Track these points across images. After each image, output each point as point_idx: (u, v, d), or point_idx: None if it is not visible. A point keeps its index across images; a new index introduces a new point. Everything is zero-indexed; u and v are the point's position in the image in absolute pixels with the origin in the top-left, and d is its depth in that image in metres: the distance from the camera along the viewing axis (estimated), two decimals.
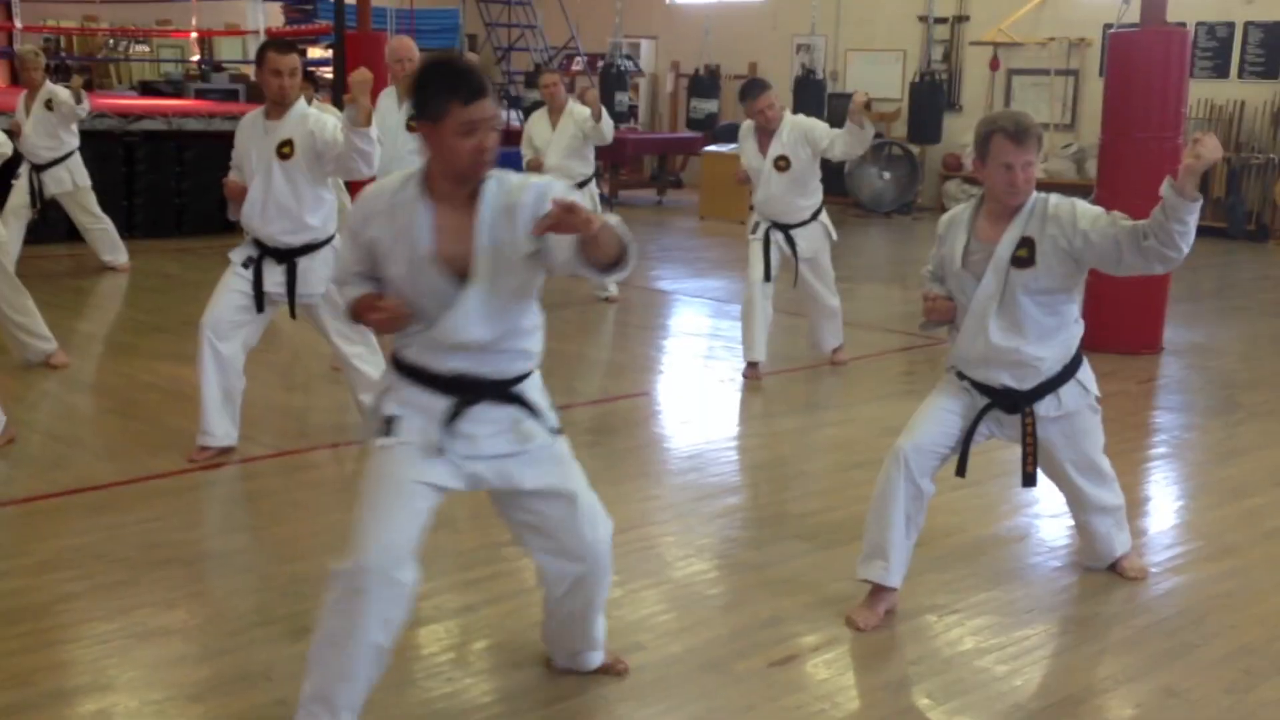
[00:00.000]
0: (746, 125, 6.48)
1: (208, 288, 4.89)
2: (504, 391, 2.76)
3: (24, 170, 8.45)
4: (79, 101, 8.33)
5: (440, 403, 2.72)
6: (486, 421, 2.74)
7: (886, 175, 14.10)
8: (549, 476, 2.83)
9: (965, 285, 3.50)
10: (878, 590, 3.55)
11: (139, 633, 3.35)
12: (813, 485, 4.88)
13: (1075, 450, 3.65)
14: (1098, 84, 11.79)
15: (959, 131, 14.75)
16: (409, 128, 5.88)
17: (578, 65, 15.61)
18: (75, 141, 8.59)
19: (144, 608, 3.50)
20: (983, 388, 3.54)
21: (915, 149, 13.96)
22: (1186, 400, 6.37)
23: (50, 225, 9.32)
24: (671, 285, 9.47)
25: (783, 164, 6.26)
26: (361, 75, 4.49)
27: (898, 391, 6.38)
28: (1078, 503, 3.80)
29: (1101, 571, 3.90)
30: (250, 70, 13.50)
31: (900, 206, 14.08)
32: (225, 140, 10.84)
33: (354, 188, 5.94)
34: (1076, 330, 3.55)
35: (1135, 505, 4.48)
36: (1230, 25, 12.89)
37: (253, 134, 4.78)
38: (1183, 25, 10.37)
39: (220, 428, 4.80)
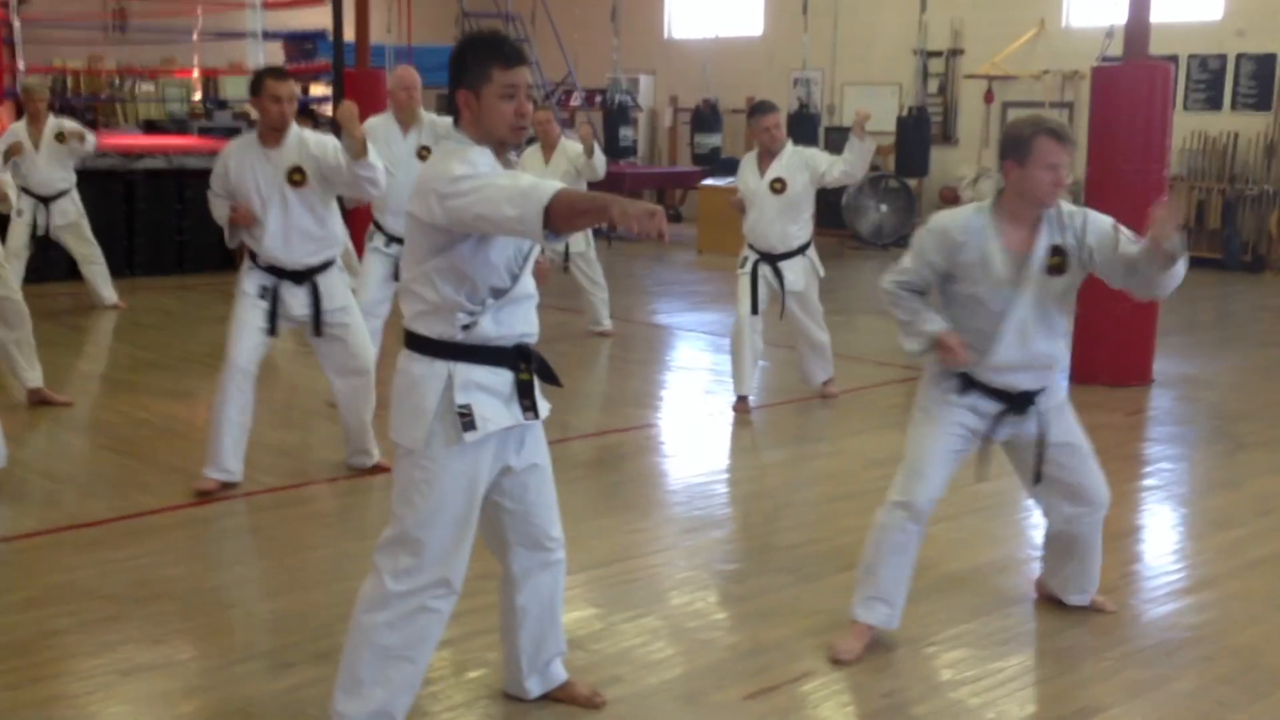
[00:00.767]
0: (750, 155, 6.59)
1: (207, 324, 4.97)
2: (544, 360, 2.89)
3: (27, 207, 8.54)
4: (82, 140, 8.49)
5: (505, 375, 2.78)
6: (539, 386, 2.88)
7: (884, 207, 14.18)
8: (543, 450, 2.99)
9: (999, 294, 3.44)
10: (866, 627, 3.57)
11: (124, 669, 3.39)
12: (798, 518, 4.91)
13: (1069, 432, 3.63)
14: None
15: (955, 164, 14.85)
16: (420, 156, 6.01)
17: (575, 100, 15.76)
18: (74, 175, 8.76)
19: (130, 644, 3.54)
20: (999, 394, 3.52)
21: (913, 182, 14.05)
22: (1175, 432, 6.40)
23: (51, 264, 9.43)
24: (668, 319, 9.54)
25: (778, 186, 6.34)
26: (346, 109, 4.59)
27: (887, 424, 6.42)
28: (1076, 498, 3.67)
29: (1044, 597, 3.94)
30: (251, 108, 13.65)
31: (898, 239, 14.15)
32: None
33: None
34: None
35: (1119, 537, 4.52)
36: (1222, 58, 12.99)
37: (249, 161, 4.82)
38: (1171, 59, 10.48)
39: (235, 463, 4.91)
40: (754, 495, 5.29)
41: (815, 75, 15.09)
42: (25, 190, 8.49)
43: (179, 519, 4.66)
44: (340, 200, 5.33)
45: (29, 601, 3.83)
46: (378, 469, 5.20)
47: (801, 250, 6.47)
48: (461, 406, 2.74)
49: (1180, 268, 3.31)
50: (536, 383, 2.86)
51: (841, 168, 6.30)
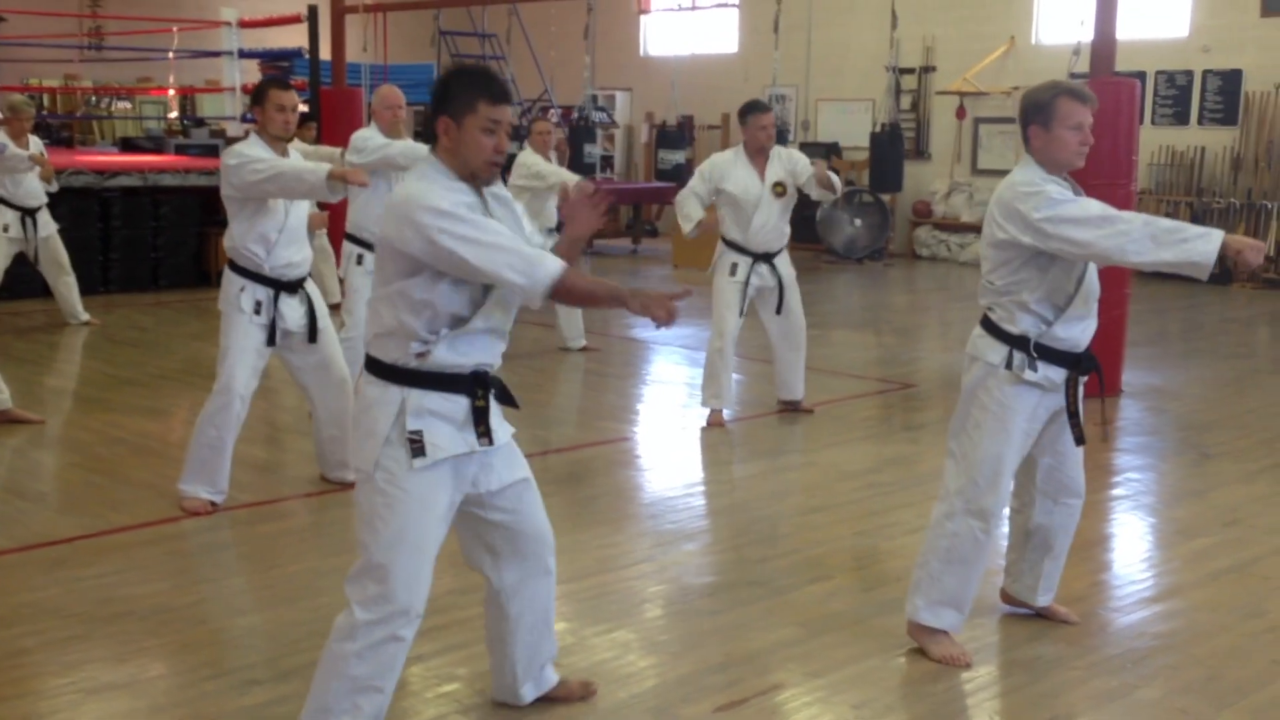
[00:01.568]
0: (729, 156, 6.52)
1: (182, 340, 4.95)
2: (500, 382, 2.89)
3: (12, 221, 8.50)
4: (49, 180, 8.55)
5: (461, 401, 2.78)
6: (496, 412, 2.87)
7: (858, 222, 14.27)
8: (522, 464, 3.02)
9: None
10: (937, 631, 3.58)
11: (89, 688, 3.37)
12: (771, 530, 4.93)
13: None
14: None
15: (929, 178, 14.98)
16: None
17: (552, 117, 15.80)
18: None
19: (95, 662, 3.53)
20: (1070, 358, 3.50)
21: (887, 197, 14.15)
22: (1143, 442, 6.45)
23: (23, 281, 9.38)
24: (643, 334, 9.56)
25: (780, 189, 6.38)
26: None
27: (861, 437, 6.46)
28: (1068, 487, 3.71)
29: (1010, 605, 3.95)
30: (229, 125, 13.64)
31: (872, 253, 14.25)
32: (201, 195, 11.15)
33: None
34: None
35: (1088, 546, 4.56)
36: (1189, 74, 13.16)
37: None
38: (1139, 75, 10.61)
39: (226, 483, 4.92)
40: (727, 508, 5.31)
41: (789, 92, 15.20)
42: (9, 204, 8.46)
43: (149, 536, 4.64)
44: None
45: None
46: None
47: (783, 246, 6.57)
48: (412, 432, 2.75)
49: None
50: (495, 408, 2.87)
51: (812, 190, 6.42)
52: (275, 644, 3.68)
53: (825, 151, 14.42)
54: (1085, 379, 3.62)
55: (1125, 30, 12.11)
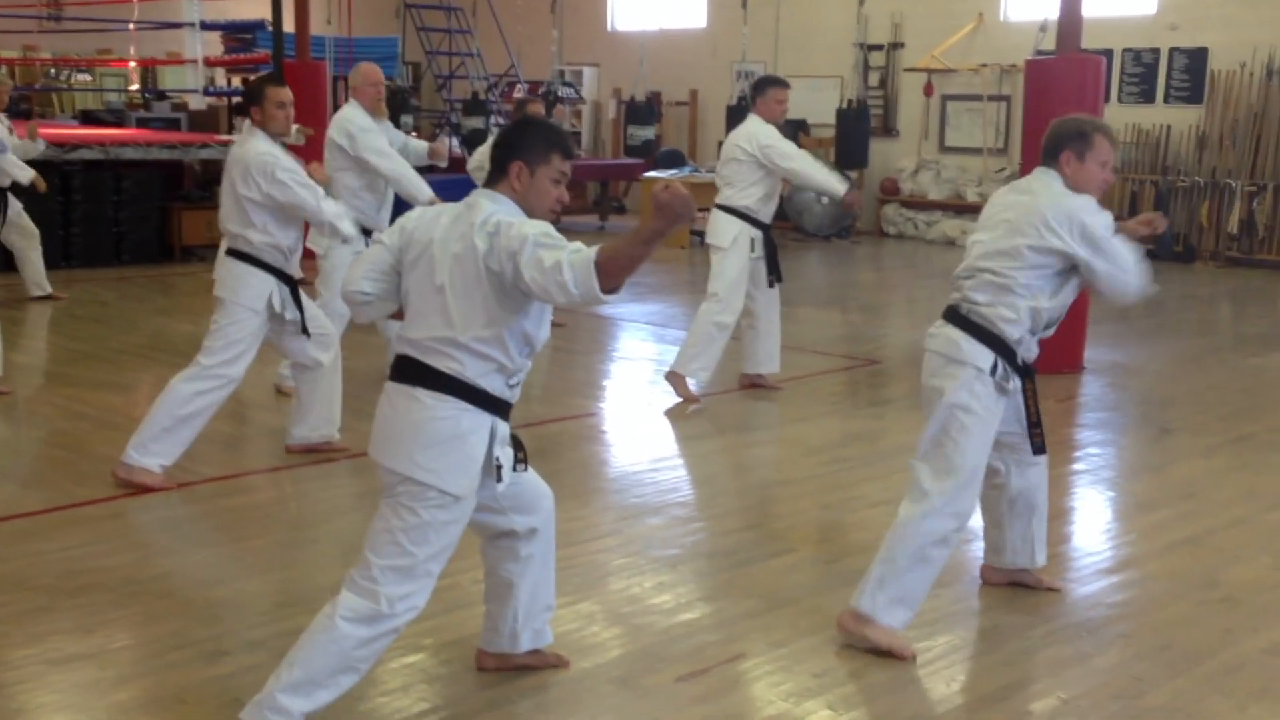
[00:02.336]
0: (774, 129, 6.46)
1: (145, 315, 4.92)
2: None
3: None
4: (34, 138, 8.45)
5: (507, 428, 2.98)
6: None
7: (825, 200, 14.29)
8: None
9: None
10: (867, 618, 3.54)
11: (54, 659, 3.37)
12: (734, 504, 4.97)
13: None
14: None
15: (896, 156, 15.03)
16: None
17: (519, 93, 15.73)
18: None
19: (60, 634, 3.52)
20: (1024, 367, 3.61)
21: (853, 174, 14.18)
22: (1104, 418, 6.55)
23: None
24: (611, 310, 9.57)
25: None
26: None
27: (826, 412, 6.51)
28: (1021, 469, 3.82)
29: (1004, 585, 4.01)
30: (191, 99, 13.48)
31: (839, 231, 14.30)
32: (164, 169, 11.02)
33: None
34: None
35: (1048, 519, 4.61)
36: (1156, 51, 13.26)
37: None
38: (1105, 53, 10.67)
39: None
40: (692, 483, 5.34)
41: (758, 68, 15.18)
42: None
43: (114, 509, 4.63)
44: None
45: None
46: (331, 449, 5.22)
47: None
48: (496, 459, 2.93)
49: None
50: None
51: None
52: (242, 615, 3.68)
53: (793, 129, 14.43)
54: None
55: (1092, 7, 12.15)
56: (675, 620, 3.75)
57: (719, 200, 6.51)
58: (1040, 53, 8.82)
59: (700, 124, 16.38)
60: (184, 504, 4.77)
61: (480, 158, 8.36)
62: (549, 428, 6.08)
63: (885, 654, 3.48)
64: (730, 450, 5.88)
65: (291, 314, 4.93)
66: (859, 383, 7.33)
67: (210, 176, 10.93)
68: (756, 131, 6.33)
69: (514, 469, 3.00)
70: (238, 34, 13.70)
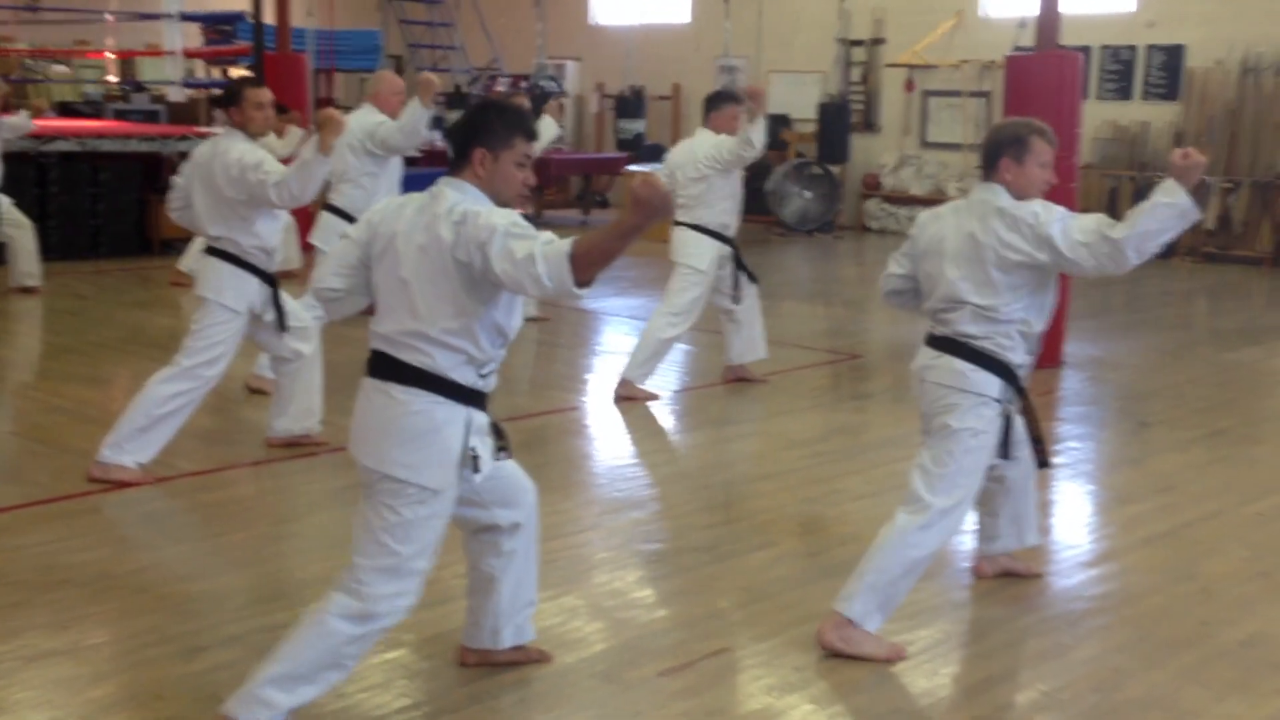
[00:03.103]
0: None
1: (123, 309, 4.88)
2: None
3: None
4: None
5: (486, 419, 2.94)
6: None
7: (807, 194, 14.32)
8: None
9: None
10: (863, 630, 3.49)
11: (29, 655, 3.34)
12: (717, 498, 4.97)
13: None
14: None
15: (878, 151, 15.05)
16: None
17: (501, 86, 15.68)
18: None
19: (35, 629, 3.49)
20: (1019, 386, 3.58)
21: (835, 169, 14.21)
22: (1082, 412, 6.58)
23: None
24: (593, 304, 9.56)
25: None
26: (333, 117, 4.67)
27: (809, 406, 6.52)
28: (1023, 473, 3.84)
29: (987, 579, 4.03)
30: (170, 91, 13.37)
31: (822, 226, 14.32)
32: (143, 161, 10.93)
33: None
34: None
35: None
36: (1133, 49, 13.31)
37: None
38: (1083, 49, 10.72)
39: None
40: (675, 476, 5.34)
41: (740, 63, 15.18)
42: None
43: (91, 504, 4.59)
44: None
45: None
46: (312, 442, 5.19)
47: None
48: (472, 449, 2.88)
49: None
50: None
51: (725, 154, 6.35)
52: (219, 611, 3.66)
53: (775, 125, 14.45)
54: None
55: (1070, 4, 12.20)
56: (657, 614, 3.75)
57: (688, 219, 6.37)
58: (1019, 49, 8.86)
59: (683, 119, 16.35)
60: (162, 498, 4.74)
61: None
62: (532, 421, 6.06)
63: (888, 660, 3.45)
64: (712, 444, 5.88)
65: (270, 315, 4.91)
66: (841, 377, 7.34)
67: None
68: (720, 143, 6.27)
69: (495, 458, 2.96)
70: (218, 26, 13.61)
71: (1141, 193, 13.02)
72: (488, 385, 2.93)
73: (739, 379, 6.80)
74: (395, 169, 6.30)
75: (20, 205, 9.67)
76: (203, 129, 11.90)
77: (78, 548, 4.14)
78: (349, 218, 6.00)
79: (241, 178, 4.64)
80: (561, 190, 16.04)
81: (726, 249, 6.44)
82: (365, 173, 6.14)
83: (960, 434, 3.50)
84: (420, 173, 9.39)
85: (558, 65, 17.01)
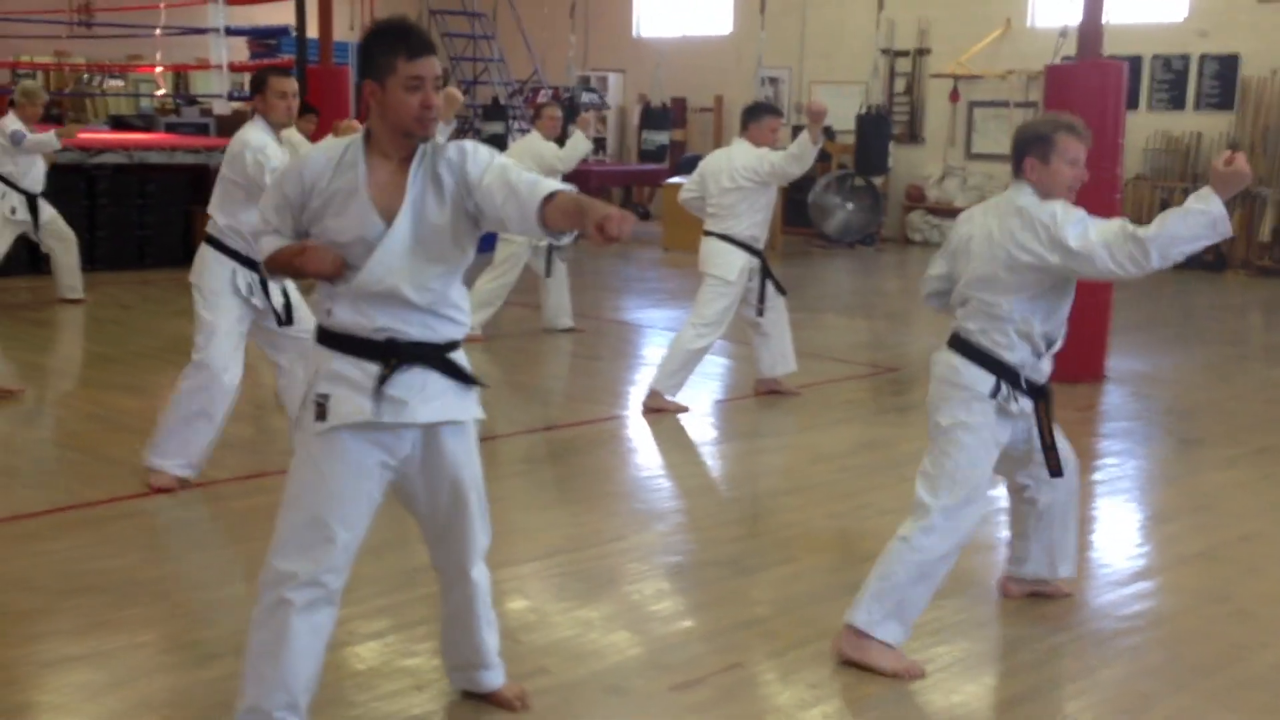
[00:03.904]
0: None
1: (165, 319, 4.90)
2: (434, 356, 2.78)
3: (19, 205, 8.46)
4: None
5: (371, 368, 2.71)
6: (416, 387, 2.74)
7: (850, 206, 14.22)
8: (462, 461, 2.86)
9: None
10: (881, 642, 3.44)
11: (47, 660, 3.37)
12: (742, 511, 4.93)
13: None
14: None
15: (922, 163, 14.93)
16: None
17: (542, 98, 15.76)
18: None
19: (56, 635, 3.52)
20: (1037, 388, 3.51)
21: (877, 180, 14.10)
22: (1124, 427, 6.44)
23: (10, 259, 9.34)
24: (629, 316, 9.56)
25: None
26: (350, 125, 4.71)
27: (841, 419, 6.44)
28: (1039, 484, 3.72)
29: (1016, 598, 3.93)
30: (216, 103, 13.57)
31: (864, 238, 14.21)
32: (189, 173, 11.09)
33: None
34: None
35: None
36: (1185, 58, 13.10)
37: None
38: (1134, 59, 10.56)
39: (200, 457, 4.86)
40: (701, 489, 5.30)
41: (782, 74, 15.15)
42: (15, 187, 8.42)
43: (121, 511, 4.63)
44: None
45: None
46: None
47: None
48: (319, 395, 2.72)
49: None
50: (417, 382, 2.75)
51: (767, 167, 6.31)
52: (238, 618, 3.63)
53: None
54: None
55: (1121, 13, 12.03)
56: (673, 628, 3.71)
57: (717, 229, 6.34)
58: (1067, 59, 8.73)
59: (725, 130, 16.33)
60: (191, 505, 4.77)
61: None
62: (562, 433, 6.05)
63: (898, 676, 3.38)
64: (741, 457, 5.83)
65: (260, 301, 4.81)
66: (877, 390, 7.26)
67: None
68: (763, 156, 6.22)
69: (377, 413, 2.73)
70: (262, 39, 13.80)
71: None
72: (333, 324, 2.76)
73: (771, 391, 6.74)
74: None
75: (69, 216, 9.85)
76: None
77: (104, 554, 4.18)
78: None
79: (240, 155, 4.64)
80: (603, 201, 16.07)
81: (755, 260, 6.39)
82: None
83: (950, 430, 3.46)
84: None
85: (600, 77, 17.07)
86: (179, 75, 16.11)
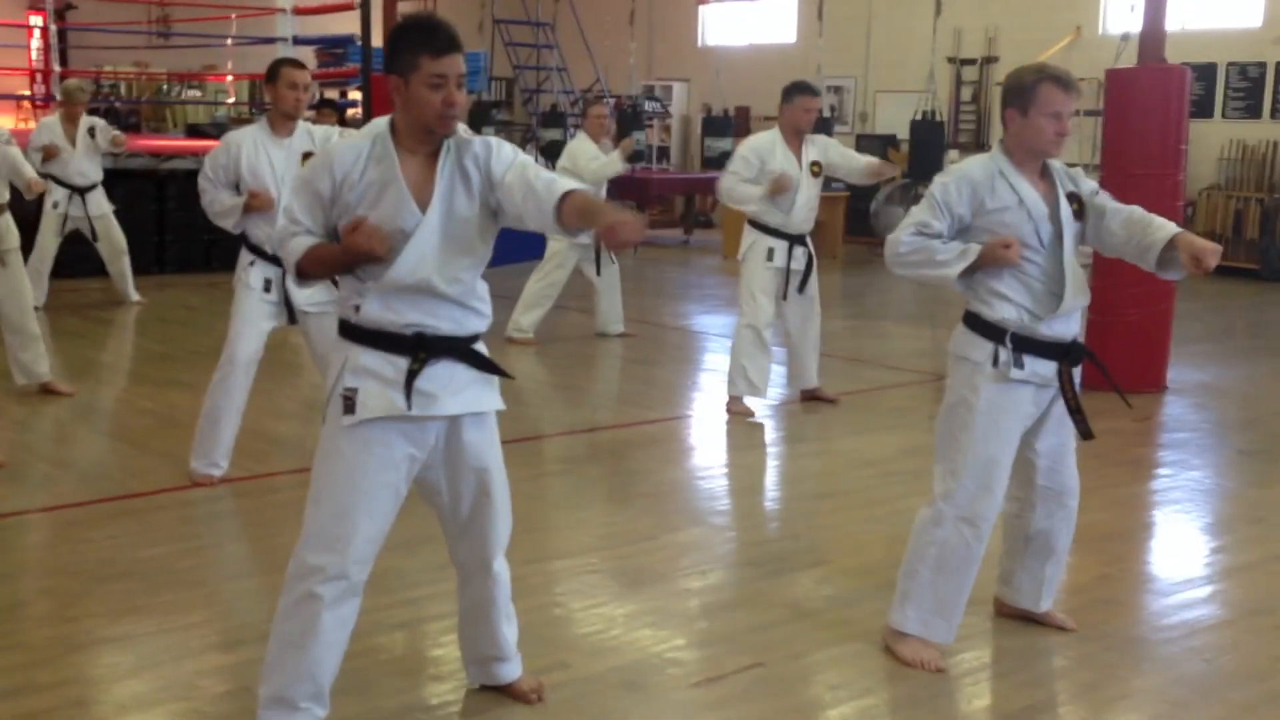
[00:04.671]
0: (766, 138, 6.37)
1: (225, 319, 4.96)
2: (461, 348, 2.81)
3: (62, 199, 8.74)
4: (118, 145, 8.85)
5: (400, 363, 2.73)
6: (445, 380, 2.77)
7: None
8: (486, 451, 2.89)
9: (1040, 239, 3.30)
10: (924, 641, 3.40)
11: (78, 643, 3.45)
12: (775, 515, 4.89)
13: (1063, 420, 3.46)
14: None
15: None
16: None
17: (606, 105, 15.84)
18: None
19: (89, 618, 3.61)
20: (1055, 348, 3.34)
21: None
22: (1181, 438, 6.28)
23: (82, 260, 9.62)
24: (683, 321, 9.54)
25: (816, 169, 6.35)
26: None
27: (884, 426, 6.36)
28: (1065, 490, 3.52)
29: (1005, 616, 3.77)
30: None
31: None
32: None
33: None
34: None
35: (1101, 539, 4.44)
36: (1262, 65, 12.76)
37: (264, 149, 4.83)
38: (1209, 66, 10.30)
39: (223, 456, 4.95)
40: (735, 492, 5.26)
41: (847, 83, 15.05)
42: (60, 182, 8.71)
43: (162, 502, 4.73)
44: None
45: (1, 576, 3.91)
46: None
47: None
48: (347, 389, 2.74)
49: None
50: (446, 376, 2.78)
51: (856, 177, 6.49)
52: (266, 606, 3.68)
53: (882, 145, 14.26)
54: (1078, 369, 3.44)
55: (1195, 20, 11.77)
56: (696, 627, 3.69)
57: (760, 221, 6.41)
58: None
59: None
60: (231, 498, 4.86)
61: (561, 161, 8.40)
62: (605, 434, 6.05)
63: (914, 667, 3.37)
64: (780, 461, 5.79)
65: (276, 295, 4.83)
66: (924, 397, 7.14)
67: None
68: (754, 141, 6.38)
69: (405, 407, 2.76)
70: (329, 49, 14.03)
71: (1270, 215, 12.47)
72: (364, 319, 2.76)
73: (814, 399, 6.69)
74: None
75: (139, 220, 10.16)
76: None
77: (142, 543, 4.27)
78: None
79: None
80: (665, 210, 16.09)
81: (774, 241, 6.31)
82: None
83: (949, 410, 3.40)
84: None
85: (665, 86, 17.10)
86: (252, 84, 16.45)
